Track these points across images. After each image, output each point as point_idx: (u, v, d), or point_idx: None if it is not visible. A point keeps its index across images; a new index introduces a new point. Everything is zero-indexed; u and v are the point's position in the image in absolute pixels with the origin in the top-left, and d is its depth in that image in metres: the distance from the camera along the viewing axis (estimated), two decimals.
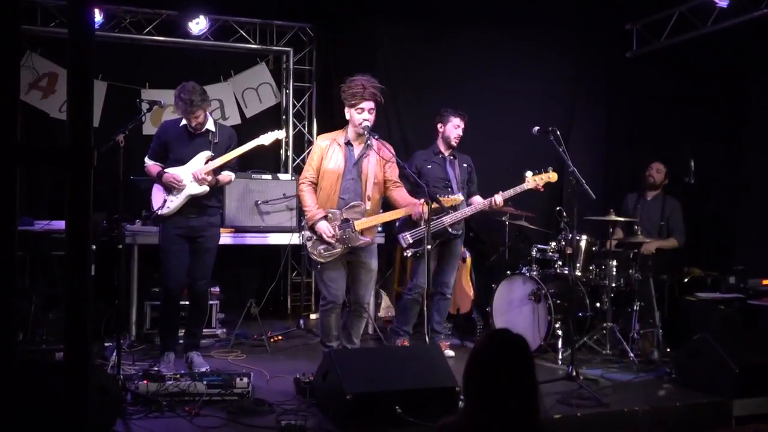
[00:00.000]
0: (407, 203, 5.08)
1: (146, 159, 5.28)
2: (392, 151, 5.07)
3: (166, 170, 5.17)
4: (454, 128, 5.93)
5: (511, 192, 5.68)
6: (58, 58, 7.10)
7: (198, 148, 5.20)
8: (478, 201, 5.88)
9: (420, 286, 5.74)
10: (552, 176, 5.65)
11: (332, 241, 4.97)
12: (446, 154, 6.00)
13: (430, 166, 5.89)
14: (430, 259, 4.86)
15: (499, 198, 5.70)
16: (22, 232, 5.54)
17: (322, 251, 5.01)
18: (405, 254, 5.74)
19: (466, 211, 5.79)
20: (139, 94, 7.15)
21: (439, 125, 6.01)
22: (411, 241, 5.62)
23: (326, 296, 5.09)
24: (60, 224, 5.61)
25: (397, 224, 5.78)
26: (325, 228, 4.96)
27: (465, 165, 6.07)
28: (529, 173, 5.64)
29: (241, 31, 7.81)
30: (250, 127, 7.22)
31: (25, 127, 7.00)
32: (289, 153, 8.08)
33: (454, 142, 5.95)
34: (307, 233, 5.08)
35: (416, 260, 5.78)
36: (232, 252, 6.83)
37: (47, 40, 7.05)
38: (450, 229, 5.74)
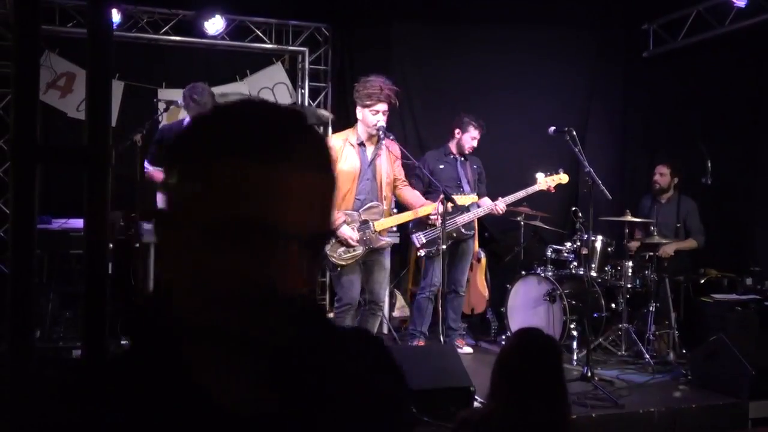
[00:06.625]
0: (421, 204, 5.06)
1: (147, 164, 5.12)
2: (401, 149, 5.06)
3: None
4: (471, 139, 6.00)
5: (521, 194, 5.77)
6: (76, 58, 7.15)
7: None
8: (487, 203, 5.90)
9: (433, 285, 5.77)
10: (563, 178, 5.75)
11: (357, 245, 4.90)
12: (457, 155, 6.05)
13: (442, 167, 5.92)
14: (444, 258, 4.85)
15: (501, 204, 5.75)
16: (40, 230, 5.54)
17: (342, 253, 4.92)
18: (418, 254, 5.77)
19: (478, 212, 5.83)
20: (155, 94, 7.17)
21: (456, 131, 6.03)
22: (424, 241, 5.64)
23: (343, 298, 5.01)
24: (78, 222, 5.65)
25: (410, 224, 5.79)
26: (349, 233, 4.87)
27: (475, 167, 6.15)
28: (540, 175, 5.74)
29: (257, 31, 7.83)
30: None
31: (43, 126, 7.05)
32: None
33: (467, 151, 6.03)
34: None
35: (429, 260, 5.81)
36: None
37: (65, 39, 7.09)
38: (463, 229, 5.81)
